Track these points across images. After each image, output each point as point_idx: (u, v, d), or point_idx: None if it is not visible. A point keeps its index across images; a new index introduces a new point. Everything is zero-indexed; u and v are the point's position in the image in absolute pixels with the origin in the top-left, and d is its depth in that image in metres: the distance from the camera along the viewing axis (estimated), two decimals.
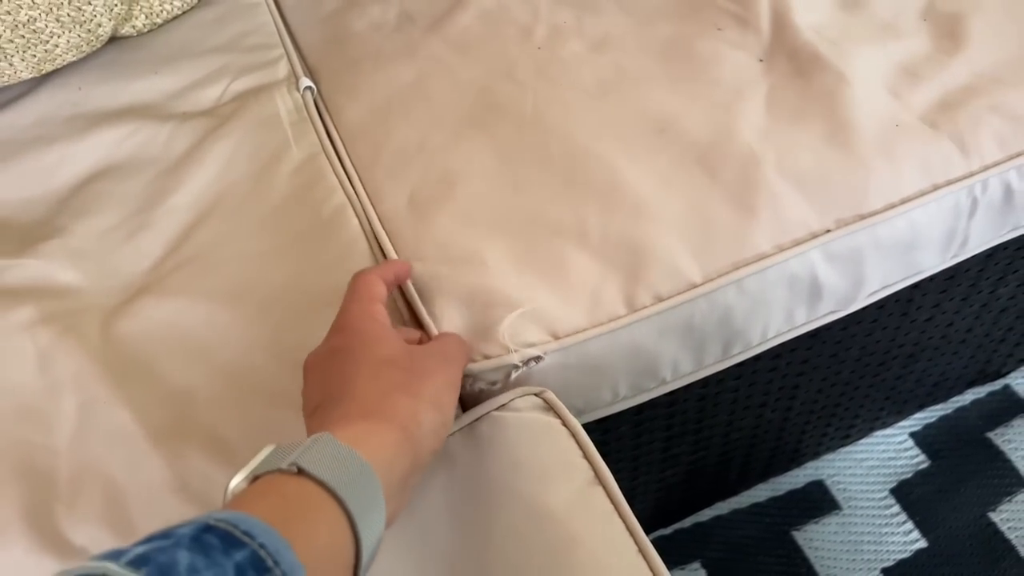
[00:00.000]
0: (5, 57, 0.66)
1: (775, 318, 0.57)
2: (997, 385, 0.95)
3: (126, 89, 0.70)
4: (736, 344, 0.57)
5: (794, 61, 0.63)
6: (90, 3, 0.68)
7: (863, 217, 0.54)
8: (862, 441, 0.92)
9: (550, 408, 0.49)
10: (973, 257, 0.65)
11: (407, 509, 0.42)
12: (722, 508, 0.89)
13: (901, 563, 0.84)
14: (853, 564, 0.83)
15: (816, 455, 0.90)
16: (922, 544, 0.85)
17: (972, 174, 0.56)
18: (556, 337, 0.50)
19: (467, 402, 0.51)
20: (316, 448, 0.33)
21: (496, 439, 0.48)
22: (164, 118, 0.67)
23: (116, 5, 0.70)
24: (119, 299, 0.56)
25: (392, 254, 0.55)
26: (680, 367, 0.56)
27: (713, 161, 0.56)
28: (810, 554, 0.86)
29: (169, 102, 0.69)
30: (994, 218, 0.59)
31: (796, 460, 0.90)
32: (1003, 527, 0.85)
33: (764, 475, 0.89)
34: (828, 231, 0.54)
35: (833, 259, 0.55)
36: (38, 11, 0.65)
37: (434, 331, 0.50)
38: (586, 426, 0.48)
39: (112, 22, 0.71)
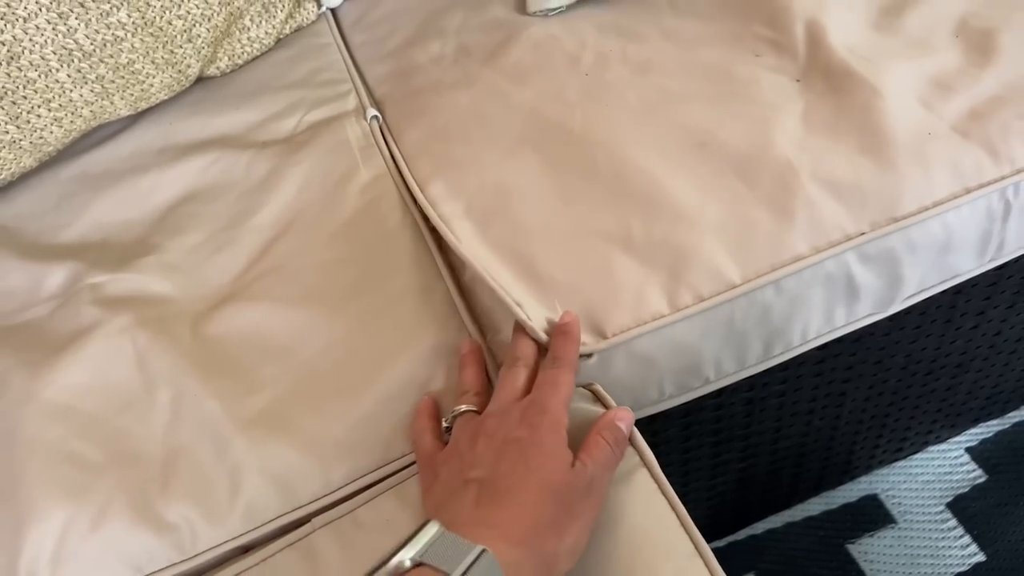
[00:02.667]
0: (107, 96, 0.74)
1: (814, 318, 0.59)
2: None
3: (211, 123, 0.77)
4: (777, 344, 0.60)
5: (829, 79, 0.66)
6: (181, 47, 0.75)
7: (896, 220, 0.57)
8: (916, 456, 0.92)
9: (598, 400, 0.52)
10: (1015, 263, 0.67)
11: None
12: (775, 521, 0.90)
13: None
14: (910, 563, 0.84)
15: (869, 469, 0.91)
16: (980, 558, 0.85)
17: (1003, 178, 0.58)
18: (603, 336, 0.54)
19: None
20: (482, 564, 0.37)
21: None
22: (245, 147, 0.74)
23: (203, 48, 0.77)
24: (207, 305, 0.62)
25: (456, 265, 0.59)
26: (723, 366, 0.59)
27: (751, 171, 0.60)
28: (865, 567, 0.86)
29: (249, 133, 0.75)
30: None
31: (849, 473, 0.90)
32: None
33: (817, 488, 0.90)
34: (862, 233, 0.56)
35: (868, 260, 0.57)
36: (137, 54, 0.73)
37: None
38: (635, 426, 0.51)
39: (200, 63, 0.78)
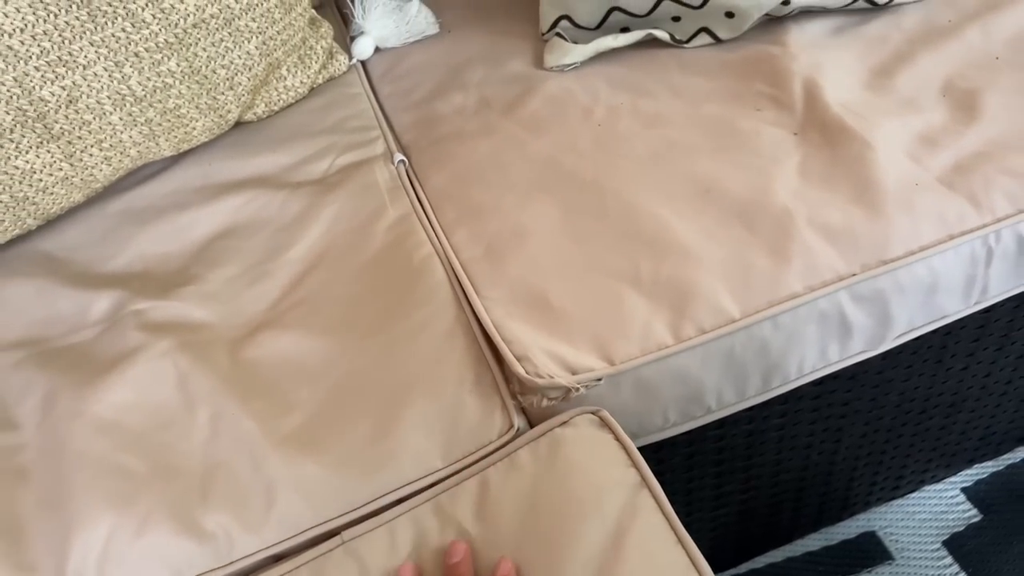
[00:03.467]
0: (154, 138, 0.79)
1: (810, 353, 0.64)
2: None
3: (248, 164, 0.83)
4: (775, 376, 0.64)
5: (825, 133, 0.71)
6: (223, 94, 0.81)
7: (885, 263, 0.61)
8: (913, 495, 0.95)
9: (604, 425, 0.57)
10: (1000, 306, 0.71)
11: (484, 512, 0.50)
12: (776, 556, 0.93)
13: None
14: None
15: (867, 506, 0.94)
16: None
17: (985, 226, 0.63)
18: (612, 363, 0.58)
19: (534, 417, 0.59)
20: None
21: (559, 451, 0.56)
22: (279, 187, 0.79)
23: (243, 95, 0.83)
24: (243, 332, 0.67)
25: (472, 295, 0.64)
26: (724, 396, 0.63)
27: (752, 217, 0.65)
28: None
29: (284, 174, 0.81)
30: (1010, 267, 0.66)
31: (848, 510, 0.93)
32: None
33: (816, 524, 0.93)
34: (854, 274, 0.61)
35: (859, 300, 0.62)
36: (183, 100, 0.79)
37: (511, 362, 0.59)
38: (641, 452, 0.55)
39: (239, 109, 0.84)
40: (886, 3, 0.82)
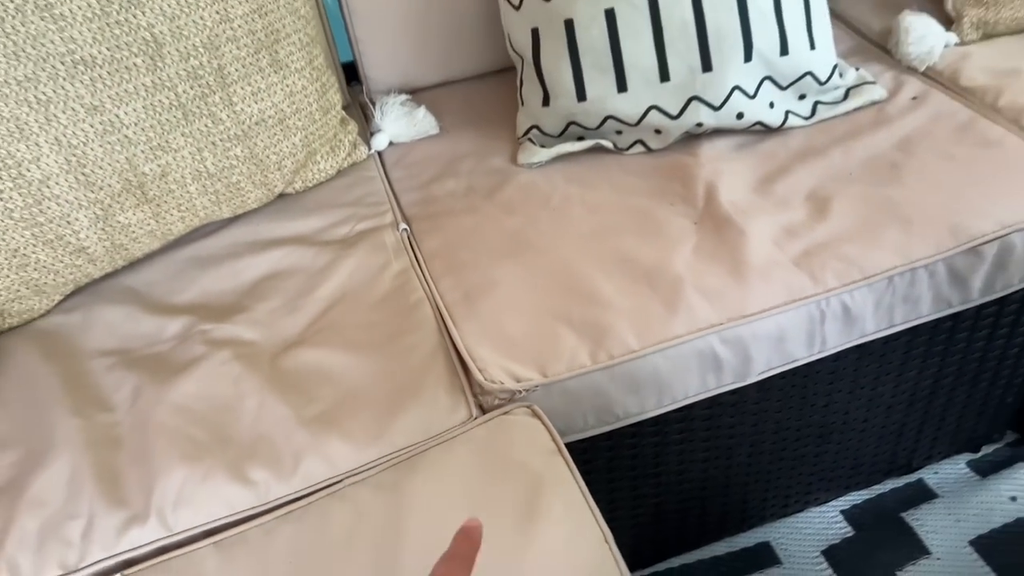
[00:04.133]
0: (218, 204, 1.05)
1: (692, 380, 0.88)
2: (912, 477, 1.20)
3: (287, 226, 1.08)
4: (666, 396, 0.88)
5: (715, 224, 0.97)
6: (273, 173, 1.07)
7: (745, 317, 0.86)
8: (800, 514, 1.18)
9: (535, 415, 0.80)
10: (846, 356, 0.96)
11: (446, 468, 0.74)
12: (689, 558, 1.15)
13: None
14: None
15: (763, 520, 1.16)
16: None
17: (818, 295, 0.88)
18: (545, 376, 0.82)
19: (487, 408, 0.83)
20: None
21: (503, 430, 0.79)
22: (311, 244, 1.04)
23: (287, 174, 1.09)
24: (281, 348, 0.91)
25: (451, 326, 0.88)
26: (628, 408, 0.87)
27: (654, 280, 0.90)
28: None
29: (315, 235, 1.06)
30: (841, 325, 0.90)
31: (746, 522, 1.16)
32: None
33: (720, 533, 1.16)
34: (721, 324, 0.86)
35: (726, 342, 0.86)
36: (242, 177, 1.05)
37: (475, 372, 0.83)
38: (569, 450, 0.78)
39: (283, 185, 1.10)
40: (778, 127, 1.09)
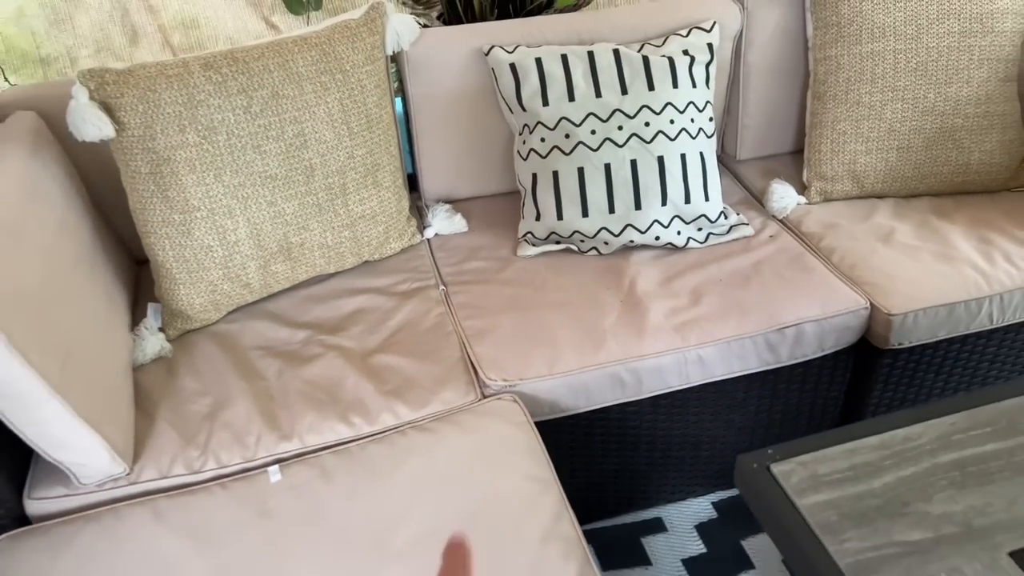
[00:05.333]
0: (328, 264, 1.68)
1: (607, 393, 1.49)
2: None
3: (370, 281, 1.71)
4: (591, 401, 1.49)
5: (632, 303, 1.60)
6: (363, 247, 1.71)
7: (640, 356, 1.48)
8: (683, 501, 1.77)
9: (515, 401, 1.42)
10: (704, 388, 1.57)
11: (461, 427, 1.36)
12: (605, 523, 1.73)
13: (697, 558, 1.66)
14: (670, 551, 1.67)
15: (658, 502, 1.75)
16: (703, 550, 1.67)
17: (684, 347, 1.50)
18: (521, 379, 1.44)
19: (487, 395, 1.44)
20: None
21: (496, 408, 1.40)
22: (384, 293, 1.67)
23: (373, 249, 1.73)
24: (367, 352, 1.52)
25: (468, 347, 1.50)
26: (568, 405, 1.48)
27: (590, 331, 1.52)
28: (649, 553, 1.68)
29: (387, 288, 1.69)
30: (699, 369, 1.52)
31: (647, 502, 1.75)
32: (749, 551, 1.67)
33: (629, 508, 1.74)
34: (626, 359, 1.48)
35: (628, 371, 1.48)
36: (346, 250, 1.68)
37: (481, 373, 1.45)
38: (542, 431, 1.39)
39: (368, 255, 1.74)
40: (682, 247, 1.74)
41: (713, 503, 1.78)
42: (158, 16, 2.53)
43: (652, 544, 1.70)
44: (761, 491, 0.95)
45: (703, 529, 1.73)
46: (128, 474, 1.31)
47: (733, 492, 1.80)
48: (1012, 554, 0.84)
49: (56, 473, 1.30)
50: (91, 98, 1.37)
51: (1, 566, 1.20)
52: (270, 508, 1.26)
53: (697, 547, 1.69)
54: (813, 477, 0.95)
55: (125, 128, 1.41)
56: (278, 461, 1.35)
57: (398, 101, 1.85)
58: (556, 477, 1.30)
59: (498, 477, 1.28)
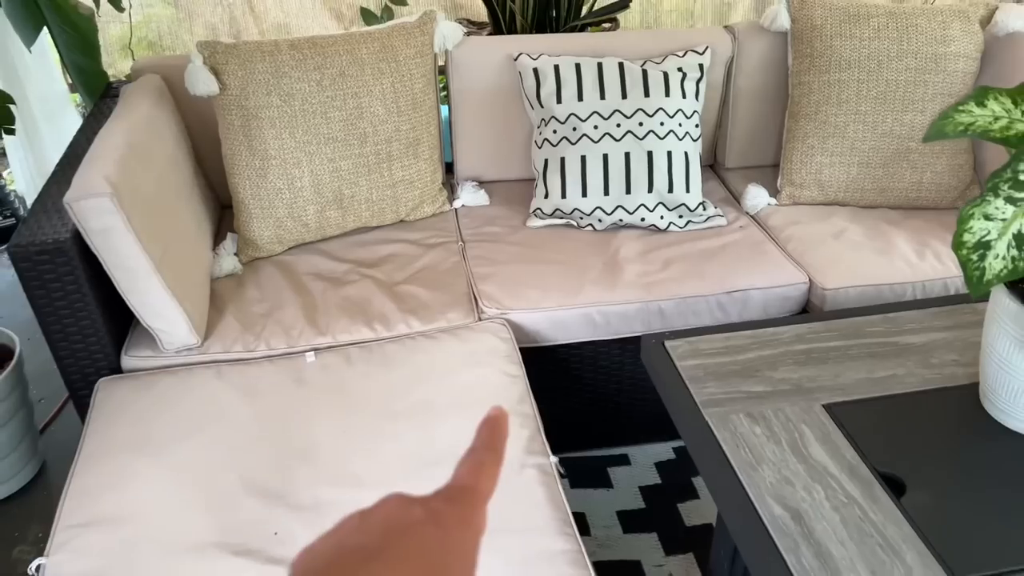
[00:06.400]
0: (372, 217, 2.07)
1: (582, 330, 1.83)
2: None
3: (404, 234, 2.10)
4: (568, 335, 1.83)
5: (613, 265, 1.95)
6: (402, 207, 2.10)
7: (612, 303, 1.82)
8: (647, 444, 2.08)
9: (504, 325, 1.77)
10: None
11: (462, 337, 1.72)
12: (577, 455, 2.06)
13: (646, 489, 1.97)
14: (630, 479, 1.98)
15: (624, 443, 2.07)
16: (659, 481, 1.98)
17: (648, 300, 1.84)
18: (512, 308, 1.79)
19: (483, 318, 1.80)
20: None
21: (485, 328, 1.76)
22: (415, 244, 2.06)
23: (410, 210, 2.12)
24: (396, 281, 1.91)
25: (473, 283, 1.87)
26: (549, 336, 1.83)
27: (576, 282, 1.87)
28: (615, 481, 2.00)
29: (418, 240, 2.08)
30: (658, 319, 1.85)
31: (615, 441, 2.06)
32: (697, 486, 1.97)
33: (599, 444, 2.06)
34: (599, 303, 1.82)
35: (601, 314, 1.83)
36: (387, 207, 2.07)
37: (480, 302, 1.81)
38: (526, 360, 1.74)
39: (405, 214, 2.12)
40: (663, 229, 2.08)
41: (674, 448, 2.09)
42: (260, 22, 3.02)
43: (616, 473, 2.02)
44: (656, 357, 1.29)
45: (662, 466, 2.04)
46: (199, 346, 1.71)
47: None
48: (824, 406, 1.15)
49: (147, 339, 1.71)
50: (204, 63, 1.81)
51: (102, 397, 1.60)
52: (304, 378, 1.64)
53: (654, 479, 2.00)
54: (694, 351, 1.27)
55: (226, 88, 1.84)
56: (314, 349, 1.73)
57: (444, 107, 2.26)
58: (525, 375, 1.64)
59: (482, 371, 1.63)
